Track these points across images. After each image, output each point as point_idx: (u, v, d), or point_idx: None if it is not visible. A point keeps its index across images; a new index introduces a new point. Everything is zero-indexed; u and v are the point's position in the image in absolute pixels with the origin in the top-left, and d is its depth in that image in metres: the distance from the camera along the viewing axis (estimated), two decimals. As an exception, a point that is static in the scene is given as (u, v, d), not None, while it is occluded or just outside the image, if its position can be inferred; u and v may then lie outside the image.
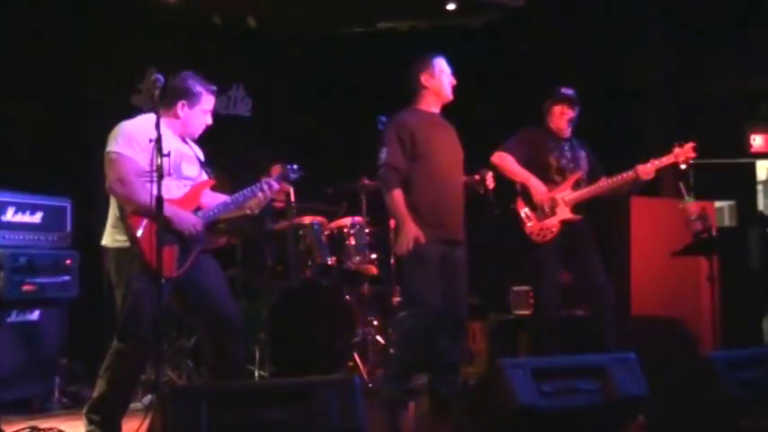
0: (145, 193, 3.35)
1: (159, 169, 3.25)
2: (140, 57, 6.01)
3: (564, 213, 4.55)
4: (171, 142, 3.63)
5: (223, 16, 6.35)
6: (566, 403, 2.95)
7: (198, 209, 3.71)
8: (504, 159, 4.60)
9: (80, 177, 5.63)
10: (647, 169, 4.50)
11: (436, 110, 4.39)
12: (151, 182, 3.30)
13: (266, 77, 6.65)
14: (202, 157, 3.90)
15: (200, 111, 3.78)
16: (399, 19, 6.61)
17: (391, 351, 4.60)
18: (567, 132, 4.72)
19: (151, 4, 5.95)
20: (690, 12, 5.77)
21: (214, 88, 3.83)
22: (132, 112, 3.83)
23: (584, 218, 4.65)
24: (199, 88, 3.75)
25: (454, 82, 4.35)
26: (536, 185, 4.55)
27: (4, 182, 4.73)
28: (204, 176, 3.83)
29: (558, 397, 2.94)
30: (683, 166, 4.49)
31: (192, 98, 3.74)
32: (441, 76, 4.33)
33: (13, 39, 5.42)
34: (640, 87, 6.16)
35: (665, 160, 4.52)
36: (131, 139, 3.54)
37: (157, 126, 3.32)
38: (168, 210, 3.42)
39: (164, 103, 3.73)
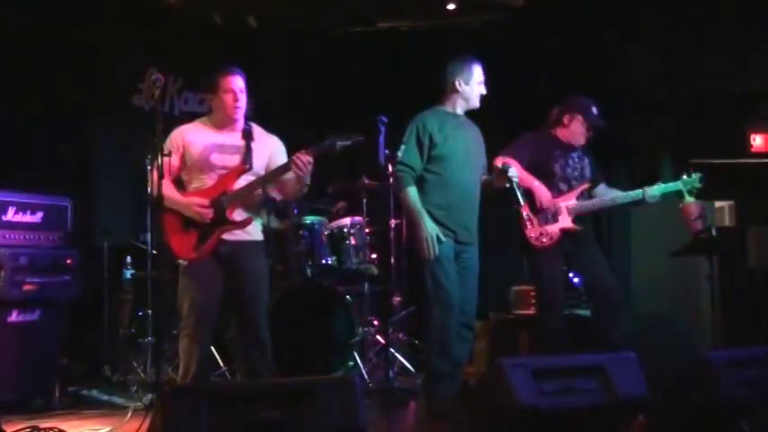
0: (166, 188, 3.67)
1: (160, 169, 3.54)
2: (140, 57, 6.01)
3: (565, 222, 4.52)
4: (202, 137, 3.85)
5: (223, 16, 6.35)
6: (566, 403, 2.95)
7: (224, 193, 3.81)
8: (509, 164, 4.57)
9: (81, 177, 5.65)
10: (654, 195, 4.50)
11: (461, 111, 4.41)
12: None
13: (266, 77, 6.65)
14: (254, 140, 3.94)
15: (223, 94, 3.85)
16: (399, 19, 6.61)
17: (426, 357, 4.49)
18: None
19: (151, 4, 5.95)
20: (690, 11, 5.76)
21: (231, 68, 3.88)
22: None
23: (586, 222, 4.64)
24: (213, 75, 3.87)
25: (485, 92, 4.36)
26: (541, 190, 4.52)
27: (4, 181, 4.74)
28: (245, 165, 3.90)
29: (557, 397, 2.94)
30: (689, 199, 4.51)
31: (211, 87, 3.88)
32: (474, 86, 4.36)
33: (13, 39, 5.42)
34: (640, 87, 6.15)
35: (672, 186, 4.53)
36: (170, 140, 3.84)
37: (158, 125, 3.41)
38: (177, 202, 3.79)
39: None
